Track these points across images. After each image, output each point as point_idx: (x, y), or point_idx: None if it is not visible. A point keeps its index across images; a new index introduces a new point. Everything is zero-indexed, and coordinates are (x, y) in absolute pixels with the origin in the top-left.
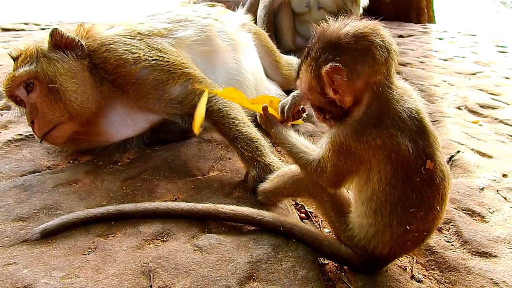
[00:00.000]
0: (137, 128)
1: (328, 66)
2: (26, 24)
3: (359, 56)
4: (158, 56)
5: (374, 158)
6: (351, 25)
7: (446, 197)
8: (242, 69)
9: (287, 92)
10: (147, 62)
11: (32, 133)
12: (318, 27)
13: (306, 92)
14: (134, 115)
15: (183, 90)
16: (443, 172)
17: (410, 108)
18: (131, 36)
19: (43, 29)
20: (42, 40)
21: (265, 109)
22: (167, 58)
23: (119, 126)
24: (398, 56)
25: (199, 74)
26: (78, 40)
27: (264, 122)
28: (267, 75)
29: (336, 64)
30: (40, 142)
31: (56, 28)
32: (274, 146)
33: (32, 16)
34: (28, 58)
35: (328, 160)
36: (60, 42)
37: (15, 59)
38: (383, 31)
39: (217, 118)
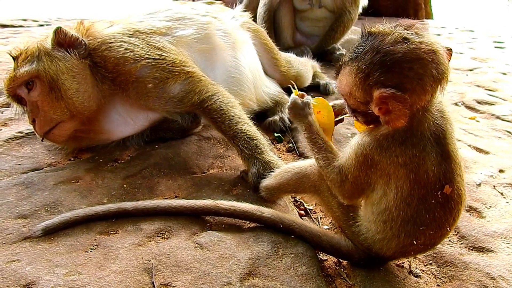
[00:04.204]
0: (137, 126)
1: (387, 92)
2: (25, 20)
3: (410, 83)
4: (158, 54)
5: (394, 174)
6: (410, 44)
7: (458, 218)
8: (241, 66)
9: (285, 89)
10: (147, 60)
11: (33, 130)
12: (372, 30)
13: (345, 95)
14: (134, 113)
15: (183, 88)
16: (460, 197)
17: (439, 130)
18: (131, 34)
19: (42, 25)
20: (44, 38)
21: (303, 95)
22: (167, 56)
23: (119, 124)
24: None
25: (198, 72)
26: (82, 39)
27: (298, 109)
28: (266, 72)
29: (401, 93)
30: (42, 141)
31: (60, 27)
32: (273, 143)
33: (30, 12)
34: (29, 57)
35: (350, 171)
36: (63, 41)
37: (15, 58)
38: (440, 56)
39: (217, 116)
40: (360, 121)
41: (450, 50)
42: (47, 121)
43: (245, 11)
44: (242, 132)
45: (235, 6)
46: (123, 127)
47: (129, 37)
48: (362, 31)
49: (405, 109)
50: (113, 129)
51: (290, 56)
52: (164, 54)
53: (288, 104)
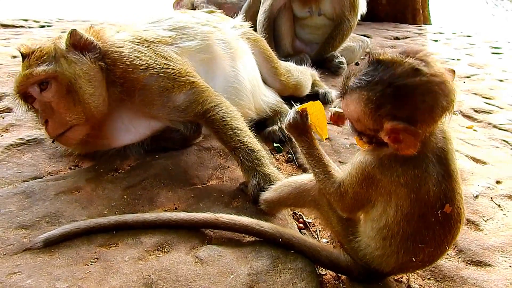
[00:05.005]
0: (139, 134)
1: (400, 126)
2: (26, 20)
3: (422, 115)
4: (165, 64)
5: (395, 193)
6: (422, 76)
7: (457, 236)
8: (239, 76)
9: (285, 98)
10: (155, 69)
11: (34, 137)
12: (381, 58)
13: (352, 120)
14: (137, 121)
15: (187, 98)
16: (460, 215)
17: (440, 150)
18: (139, 42)
19: (43, 26)
20: (58, 39)
21: (304, 111)
22: (173, 66)
23: (121, 131)
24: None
25: (202, 83)
26: (96, 43)
27: (299, 127)
28: (266, 82)
29: (414, 128)
30: (53, 142)
31: (75, 29)
32: (272, 153)
33: (31, 12)
34: (45, 57)
35: (350, 187)
36: (78, 43)
37: (26, 55)
38: (450, 85)
39: (219, 127)
40: (364, 141)
41: (453, 72)
42: (62, 123)
43: (245, 19)
44: (243, 144)
45: (235, 14)
46: (124, 134)
47: (138, 45)
48: (369, 58)
49: (417, 141)
50: (115, 136)
51: (290, 65)
52: (171, 64)
53: (287, 120)
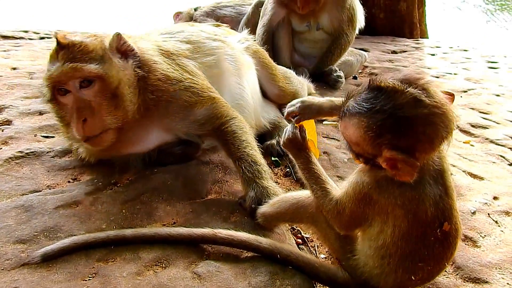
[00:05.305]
0: (148, 145)
1: (399, 156)
2: (26, 32)
3: (422, 145)
4: (190, 79)
5: (392, 213)
6: (423, 108)
7: (455, 252)
8: (244, 93)
9: (283, 105)
10: (183, 84)
11: (33, 150)
12: (382, 85)
13: (350, 142)
14: (152, 130)
15: (207, 113)
16: (457, 231)
17: (437, 171)
18: (166, 54)
19: (42, 38)
20: (102, 39)
21: (301, 127)
22: (197, 81)
23: (135, 139)
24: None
25: (221, 98)
26: (136, 50)
27: (294, 141)
28: (264, 88)
29: (412, 160)
30: (84, 141)
31: (119, 33)
32: (270, 167)
33: (31, 23)
34: (92, 54)
35: (347, 205)
36: (120, 48)
37: (64, 46)
38: (450, 115)
39: (229, 138)
40: (361, 161)
41: (452, 95)
42: (100, 125)
43: (246, 31)
44: (248, 156)
45: (235, 28)
46: (137, 142)
47: (165, 57)
48: (370, 83)
49: (414, 171)
50: (129, 143)
51: (290, 73)
52: (195, 79)
53: (285, 136)
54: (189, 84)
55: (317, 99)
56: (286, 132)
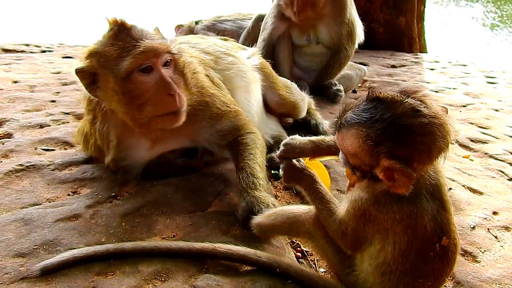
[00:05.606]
0: (168, 146)
1: (397, 166)
2: (27, 45)
3: (419, 155)
4: (218, 90)
5: (391, 229)
6: (422, 118)
7: (454, 265)
8: (252, 110)
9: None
10: (216, 96)
11: (34, 163)
12: (381, 96)
13: (347, 154)
14: (176, 134)
15: (231, 125)
16: (456, 245)
17: (433, 185)
18: (202, 64)
19: (44, 51)
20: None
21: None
22: (224, 94)
23: (163, 137)
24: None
25: (243, 112)
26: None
27: (296, 175)
28: (265, 96)
29: (409, 170)
30: (175, 114)
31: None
32: (270, 180)
33: (32, 37)
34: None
35: (348, 224)
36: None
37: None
38: (448, 127)
39: (240, 149)
40: (357, 175)
41: (446, 110)
42: (184, 99)
43: (247, 44)
44: (248, 167)
45: (237, 40)
46: (163, 141)
47: (198, 64)
48: (368, 94)
49: (410, 183)
50: (159, 141)
51: (291, 84)
52: (224, 91)
53: (283, 171)
54: (218, 97)
55: (299, 141)
56: (281, 170)
